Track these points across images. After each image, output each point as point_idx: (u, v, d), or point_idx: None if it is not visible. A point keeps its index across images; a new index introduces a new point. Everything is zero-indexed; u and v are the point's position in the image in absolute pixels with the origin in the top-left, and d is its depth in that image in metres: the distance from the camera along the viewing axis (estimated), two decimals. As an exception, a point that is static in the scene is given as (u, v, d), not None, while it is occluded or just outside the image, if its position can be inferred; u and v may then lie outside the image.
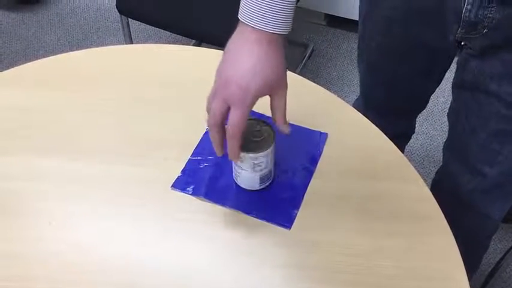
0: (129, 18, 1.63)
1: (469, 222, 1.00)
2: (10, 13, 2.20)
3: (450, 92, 0.97)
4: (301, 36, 2.10)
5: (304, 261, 0.73)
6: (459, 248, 0.74)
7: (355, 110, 0.91)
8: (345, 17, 2.04)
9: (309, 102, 0.91)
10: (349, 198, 0.79)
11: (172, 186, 0.80)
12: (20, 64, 0.97)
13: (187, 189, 0.80)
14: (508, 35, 0.78)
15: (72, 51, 1.01)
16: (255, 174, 0.77)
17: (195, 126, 0.87)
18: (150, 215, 0.78)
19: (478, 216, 1.02)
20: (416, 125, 1.29)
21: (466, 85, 0.90)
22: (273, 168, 0.79)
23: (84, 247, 0.74)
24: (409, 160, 0.84)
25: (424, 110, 1.19)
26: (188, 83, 0.95)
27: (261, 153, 0.74)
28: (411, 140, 1.33)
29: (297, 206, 0.79)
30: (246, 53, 0.64)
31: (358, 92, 1.20)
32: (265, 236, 0.76)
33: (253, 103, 0.65)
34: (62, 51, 0.99)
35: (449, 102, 1.01)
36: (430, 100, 1.13)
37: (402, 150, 0.97)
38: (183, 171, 0.82)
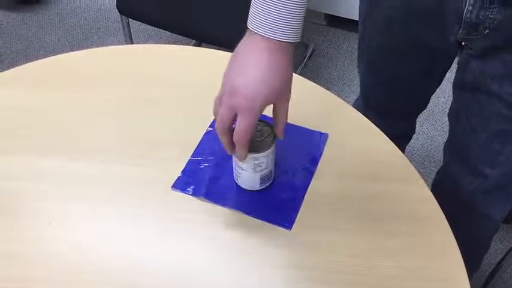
0: (129, 19, 1.63)
1: (469, 223, 1.00)
2: (11, 13, 2.20)
3: (451, 92, 0.97)
4: (302, 36, 2.10)
5: (305, 261, 0.73)
6: (460, 249, 0.74)
7: (356, 110, 0.91)
8: (345, 17, 2.04)
9: (309, 102, 0.91)
10: (350, 198, 0.79)
11: (172, 186, 0.80)
12: (20, 64, 0.97)
13: (188, 189, 0.80)
14: (510, 35, 0.78)
15: (72, 51, 1.01)
16: (256, 175, 0.77)
17: (195, 126, 0.87)
18: (150, 215, 0.77)
19: (479, 216, 1.02)
20: (416, 125, 1.29)
21: (467, 85, 0.90)
22: (274, 169, 0.79)
23: (84, 247, 0.74)
24: (410, 160, 0.84)
25: (425, 110, 1.19)
26: (188, 83, 0.94)
27: (262, 154, 0.74)
28: (412, 140, 1.33)
29: (297, 206, 0.78)
30: (255, 61, 0.64)
31: (359, 92, 1.20)
32: (266, 237, 0.75)
33: (260, 111, 0.65)
34: (62, 52, 0.99)
35: (450, 103, 1.00)
36: (431, 100, 1.13)
37: (403, 151, 0.97)
38: (183, 171, 0.82)
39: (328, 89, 0.94)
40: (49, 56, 0.99)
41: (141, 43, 2.05)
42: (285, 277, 0.72)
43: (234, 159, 0.76)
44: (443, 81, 1.03)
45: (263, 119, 0.72)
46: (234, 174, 0.80)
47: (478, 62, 0.85)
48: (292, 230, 0.76)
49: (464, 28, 0.81)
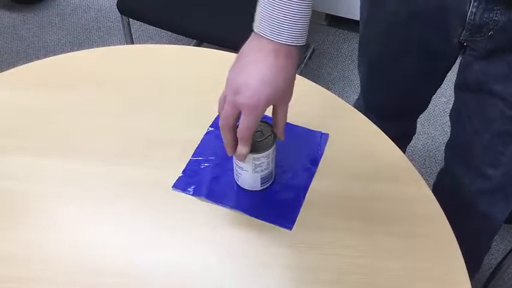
0: (129, 19, 1.63)
1: (471, 223, 0.99)
2: (11, 13, 2.20)
3: (451, 92, 0.97)
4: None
5: (306, 261, 0.73)
6: (460, 249, 0.74)
7: (356, 111, 0.91)
8: (346, 17, 2.04)
9: (310, 102, 0.91)
10: (351, 198, 0.79)
11: (173, 186, 0.80)
12: (20, 64, 0.97)
13: (188, 189, 0.80)
14: None
15: (73, 51, 1.01)
16: (256, 175, 0.77)
17: (196, 126, 0.87)
18: (151, 215, 0.77)
19: (480, 217, 1.01)
20: (417, 125, 1.29)
21: (469, 86, 0.90)
22: (274, 169, 0.79)
23: (83, 248, 0.74)
24: (411, 160, 0.84)
25: (426, 110, 1.19)
26: (188, 83, 0.94)
27: (262, 154, 0.73)
28: (413, 140, 1.33)
29: (298, 206, 0.78)
30: (261, 62, 0.64)
31: (359, 92, 1.20)
32: (266, 237, 0.75)
33: (264, 110, 0.66)
34: (63, 51, 0.99)
35: (451, 103, 1.00)
36: (432, 100, 1.12)
37: (404, 151, 0.97)
38: (184, 171, 0.82)
39: (328, 89, 0.93)
40: (49, 56, 0.99)
41: (142, 43, 2.05)
42: (286, 277, 0.71)
43: (235, 159, 0.76)
44: (444, 81, 1.03)
45: (264, 119, 0.72)
46: (235, 175, 0.79)
47: (481, 63, 0.85)
48: (293, 230, 0.76)
49: (468, 30, 0.81)
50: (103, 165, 0.83)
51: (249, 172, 0.76)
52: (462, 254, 0.73)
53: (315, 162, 0.83)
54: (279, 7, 0.63)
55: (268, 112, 0.70)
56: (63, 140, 0.86)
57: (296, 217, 0.77)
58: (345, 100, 0.92)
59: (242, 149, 0.69)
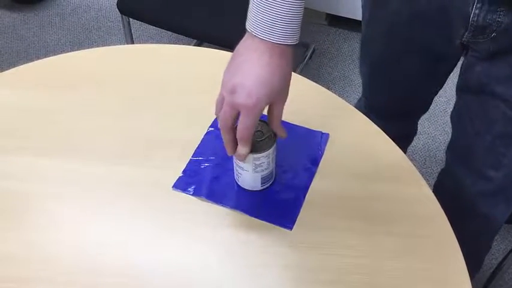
0: (130, 18, 1.63)
1: (471, 224, 0.99)
2: (11, 13, 2.20)
3: (452, 92, 0.97)
4: (303, 36, 2.08)
5: (306, 261, 0.73)
6: (461, 249, 0.74)
7: (357, 110, 0.91)
8: (346, 16, 2.04)
9: (310, 102, 0.91)
10: (351, 198, 0.79)
11: (173, 186, 0.80)
12: (20, 64, 0.97)
13: (189, 189, 0.80)
14: None
15: (73, 51, 1.01)
16: (257, 175, 0.77)
17: (196, 126, 0.87)
18: (150, 215, 0.77)
19: (481, 218, 1.01)
20: (418, 126, 1.29)
21: (471, 88, 0.90)
22: (275, 169, 0.79)
23: (83, 248, 0.74)
24: (411, 160, 0.84)
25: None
26: (189, 83, 0.94)
27: (263, 154, 0.73)
28: (413, 141, 1.33)
29: (298, 206, 0.78)
30: (256, 61, 0.64)
31: (360, 92, 1.20)
32: (267, 237, 0.75)
33: (262, 110, 0.66)
34: (63, 51, 0.99)
35: (451, 102, 1.00)
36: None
37: (404, 152, 0.97)
38: (184, 171, 0.82)
39: (329, 89, 0.93)
40: (50, 56, 0.99)
41: (142, 43, 2.05)
42: (285, 277, 0.71)
43: (235, 159, 0.76)
44: (445, 81, 1.03)
45: (264, 119, 0.72)
46: (235, 175, 0.79)
47: (483, 64, 0.85)
48: (293, 230, 0.76)
49: (471, 31, 0.81)
50: (103, 165, 0.83)
51: (250, 172, 0.76)
52: (462, 254, 0.73)
53: (315, 162, 0.83)
54: (271, 7, 0.63)
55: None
56: (63, 140, 0.86)
57: (296, 217, 0.77)
58: (345, 100, 0.92)
59: (242, 149, 0.69)
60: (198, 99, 0.90)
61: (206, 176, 0.81)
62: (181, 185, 0.80)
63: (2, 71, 0.96)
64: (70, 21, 2.17)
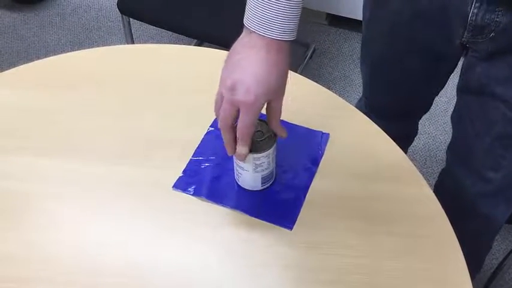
0: (130, 18, 1.63)
1: (472, 224, 0.99)
2: (11, 13, 2.20)
3: (452, 92, 0.97)
4: (303, 36, 2.10)
5: (306, 261, 0.73)
6: (462, 249, 0.74)
7: (357, 110, 0.91)
8: (347, 16, 2.04)
9: (310, 102, 0.91)
10: (351, 198, 0.79)
11: (173, 186, 0.80)
12: (20, 64, 0.97)
13: (189, 189, 0.80)
14: None
15: (73, 51, 1.01)
16: (257, 175, 0.76)
17: (196, 126, 0.87)
18: (151, 215, 0.77)
19: (482, 218, 1.01)
20: (418, 126, 1.29)
21: (471, 89, 0.89)
22: (275, 169, 0.79)
23: (83, 248, 0.74)
24: (412, 160, 0.84)
25: (426, 110, 1.18)
26: (189, 83, 0.94)
27: (263, 154, 0.73)
28: (414, 141, 1.33)
29: (298, 206, 0.78)
30: (253, 58, 0.64)
31: (360, 92, 1.20)
32: (267, 237, 0.75)
33: (261, 107, 0.66)
34: (63, 51, 0.99)
35: (452, 102, 1.00)
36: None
37: (405, 152, 0.97)
38: (184, 171, 0.82)
39: (329, 89, 0.93)
40: (50, 56, 0.99)
41: (142, 43, 2.05)
42: (285, 277, 0.71)
43: (235, 159, 0.75)
44: (445, 81, 1.03)
45: (264, 119, 0.72)
46: (235, 175, 0.79)
47: (483, 65, 0.84)
48: (293, 230, 0.76)
49: (469, 31, 0.81)
50: (103, 165, 0.83)
51: (250, 172, 0.76)
52: (463, 254, 0.73)
53: (315, 162, 0.83)
54: (271, 2, 0.63)
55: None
56: (63, 140, 0.86)
57: (296, 217, 0.77)
58: (345, 100, 0.92)
59: (242, 149, 0.69)
60: (198, 99, 0.90)
61: (206, 176, 0.81)
62: (181, 185, 0.80)
63: (2, 71, 0.96)
64: (70, 21, 2.17)
